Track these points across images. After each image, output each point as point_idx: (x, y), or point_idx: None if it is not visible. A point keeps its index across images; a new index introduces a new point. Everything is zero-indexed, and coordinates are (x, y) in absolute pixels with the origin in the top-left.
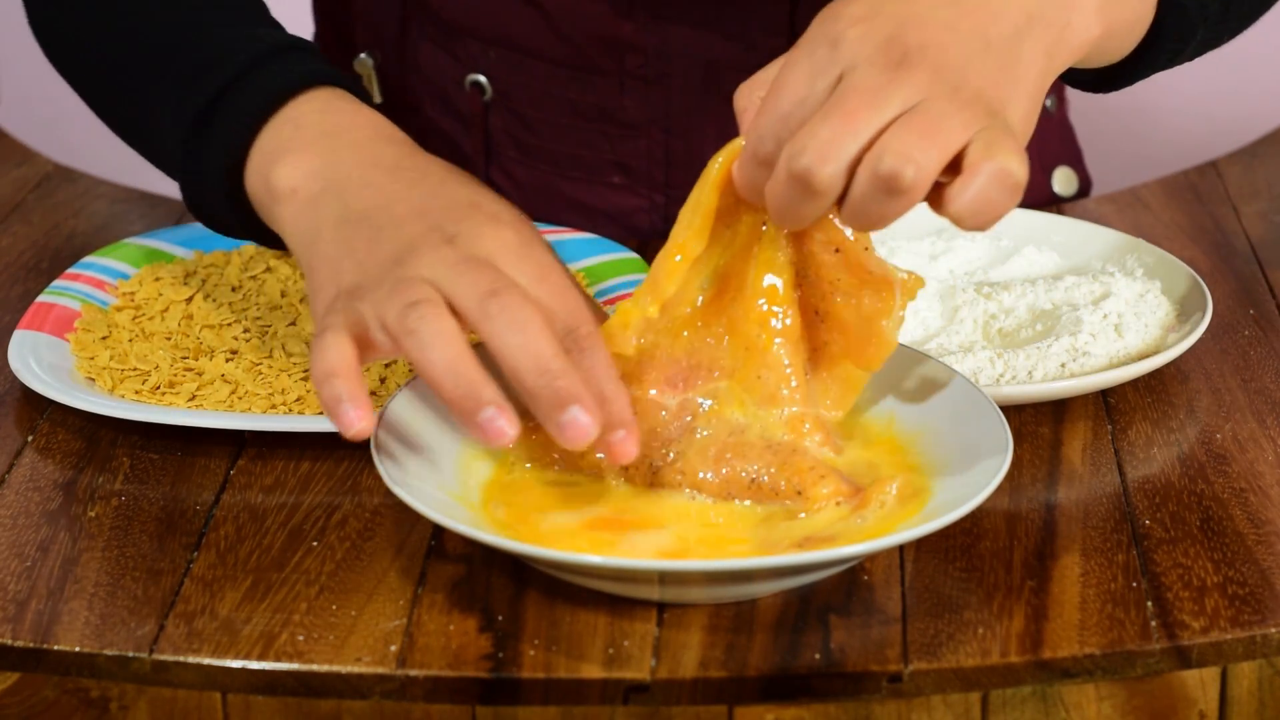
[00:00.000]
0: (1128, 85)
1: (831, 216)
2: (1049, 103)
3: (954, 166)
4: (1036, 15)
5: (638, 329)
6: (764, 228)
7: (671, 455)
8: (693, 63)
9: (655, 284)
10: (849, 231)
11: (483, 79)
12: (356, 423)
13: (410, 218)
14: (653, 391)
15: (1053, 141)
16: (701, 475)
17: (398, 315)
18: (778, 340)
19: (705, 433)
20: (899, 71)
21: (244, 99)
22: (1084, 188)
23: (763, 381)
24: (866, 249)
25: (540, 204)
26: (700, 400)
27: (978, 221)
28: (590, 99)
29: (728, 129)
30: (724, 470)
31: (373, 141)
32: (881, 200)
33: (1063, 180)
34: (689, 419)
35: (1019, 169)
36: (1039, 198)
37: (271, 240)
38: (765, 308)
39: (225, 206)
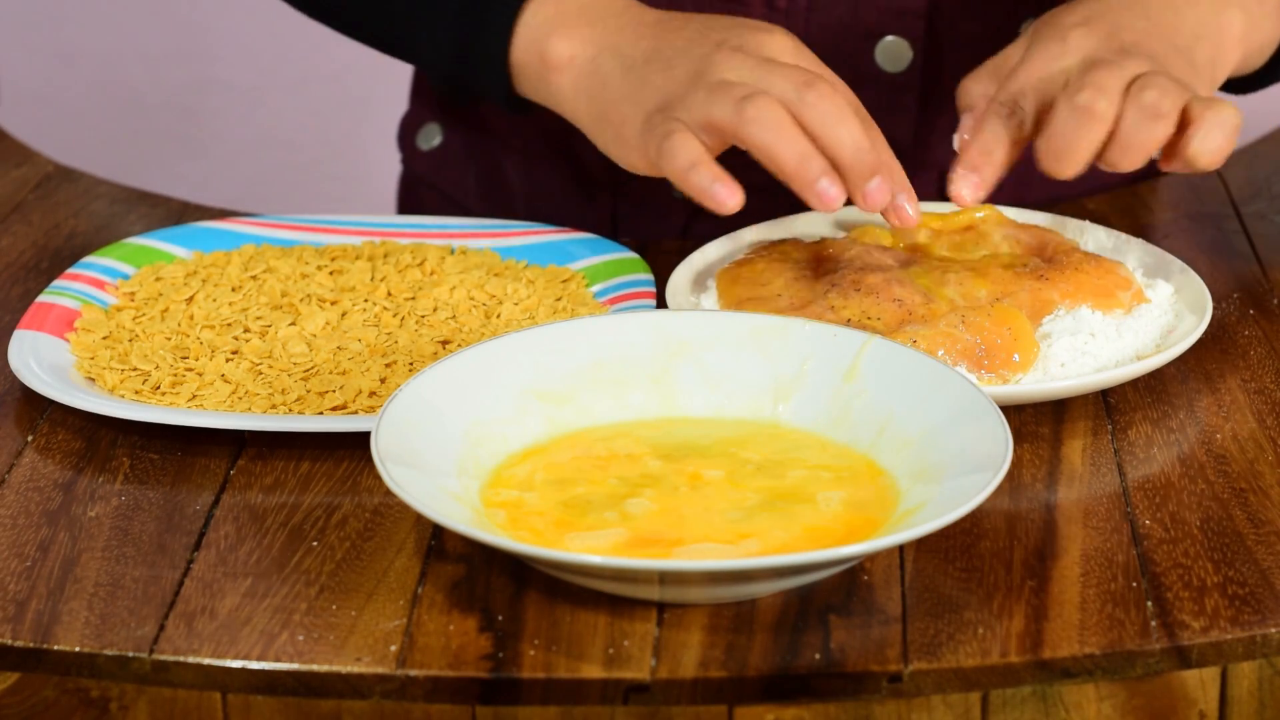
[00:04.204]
0: (1254, 91)
1: None
2: None
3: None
4: (1202, 35)
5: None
6: None
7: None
8: None
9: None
10: None
11: None
12: (731, 198)
13: (694, 44)
14: None
15: None
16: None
17: (734, 108)
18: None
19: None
20: (1124, 55)
21: None
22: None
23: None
24: None
25: None
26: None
27: (1212, 160)
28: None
29: (865, 68)
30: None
31: (631, 10)
32: (1146, 127)
33: None
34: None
35: (1237, 116)
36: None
37: (528, 108)
38: None
39: (494, 83)
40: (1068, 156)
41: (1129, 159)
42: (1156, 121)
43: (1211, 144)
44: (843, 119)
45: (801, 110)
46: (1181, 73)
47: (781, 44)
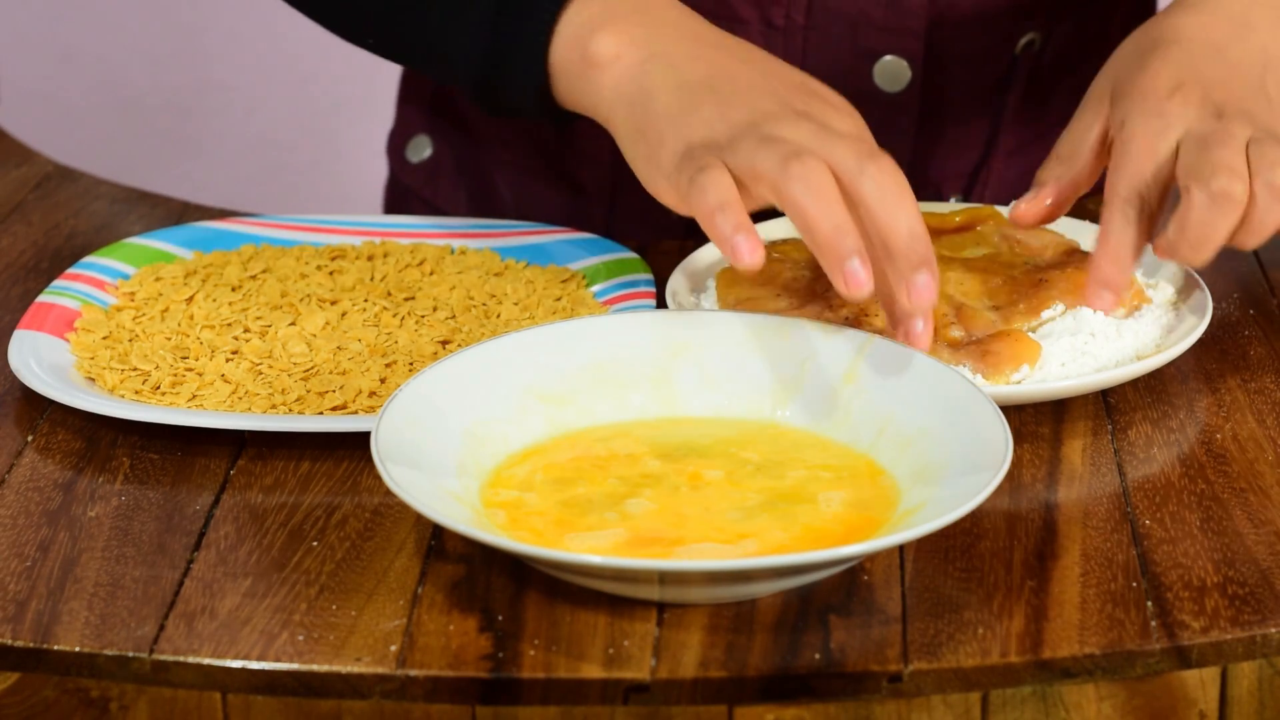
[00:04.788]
0: None
1: None
2: None
3: None
4: (1268, 63)
5: None
6: None
7: None
8: (833, 17)
9: None
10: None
11: None
12: (750, 253)
13: (756, 90)
14: None
15: None
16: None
17: (780, 161)
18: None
19: None
20: (1223, 120)
21: None
22: None
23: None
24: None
25: None
26: None
27: None
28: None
29: (863, 88)
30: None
31: (684, 18)
32: (1277, 209)
33: None
34: None
35: None
36: None
37: (560, 115)
38: None
39: (528, 82)
40: (1207, 245)
41: (1255, 239)
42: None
43: None
44: (902, 201)
45: (860, 183)
46: (1265, 116)
47: (849, 121)
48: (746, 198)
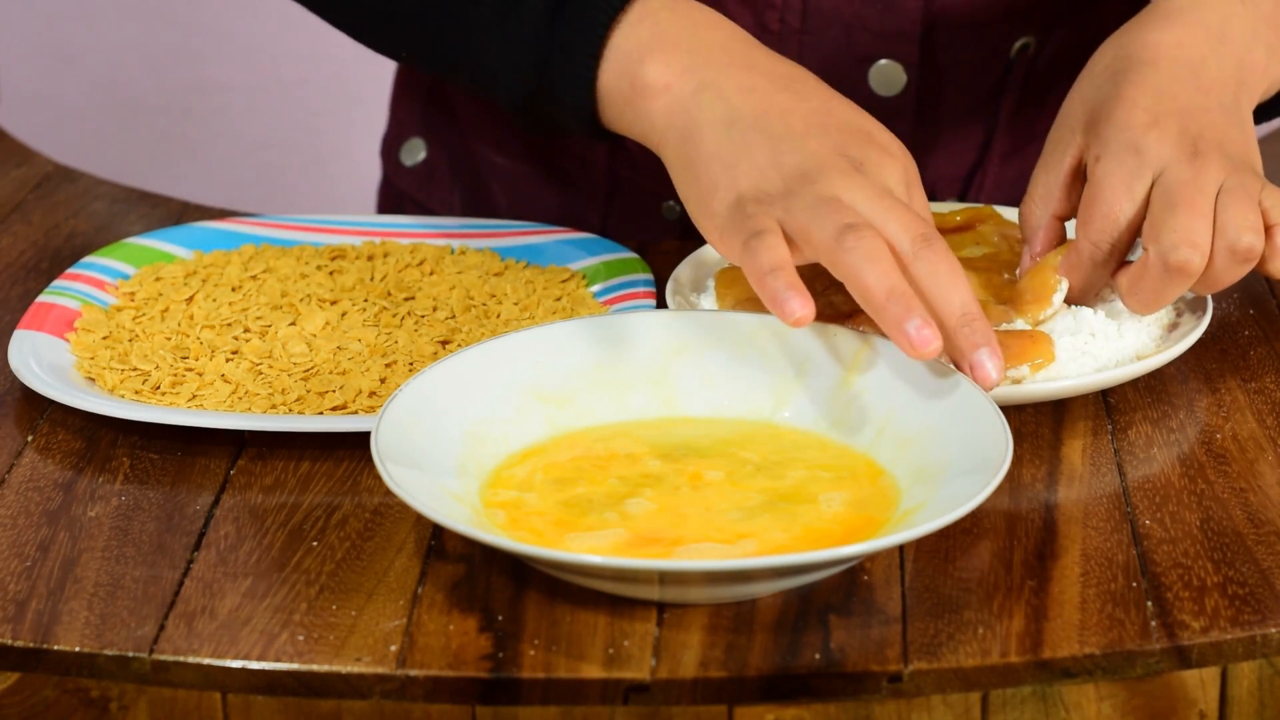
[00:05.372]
0: (1265, 121)
1: None
2: None
3: None
4: (1242, 81)
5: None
6: None
7: None
8: (828, 21)
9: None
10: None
11: None
12: (801, 309)
13: (810, 134)
14: None
15: None
16: None
17: (835, 234)
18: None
19: None
20: (1198, 161)
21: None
22: None
23: None
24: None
25: (660, 171)
26: None
27: None
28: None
29: (858, 92)
30: None
31: (735, 41)
32: (1235, 270)
33: None
34: None
35: None
36: None
37: (606, 137)
38: None
39: (576, 107)
40: (1154, 305)
41: (1210, 290)
42: (1245, 265)
43: None
44: (955, 283)
45: (914, 265)
46: (1240, 151)
47: (900, 172)
48: (796, 254)
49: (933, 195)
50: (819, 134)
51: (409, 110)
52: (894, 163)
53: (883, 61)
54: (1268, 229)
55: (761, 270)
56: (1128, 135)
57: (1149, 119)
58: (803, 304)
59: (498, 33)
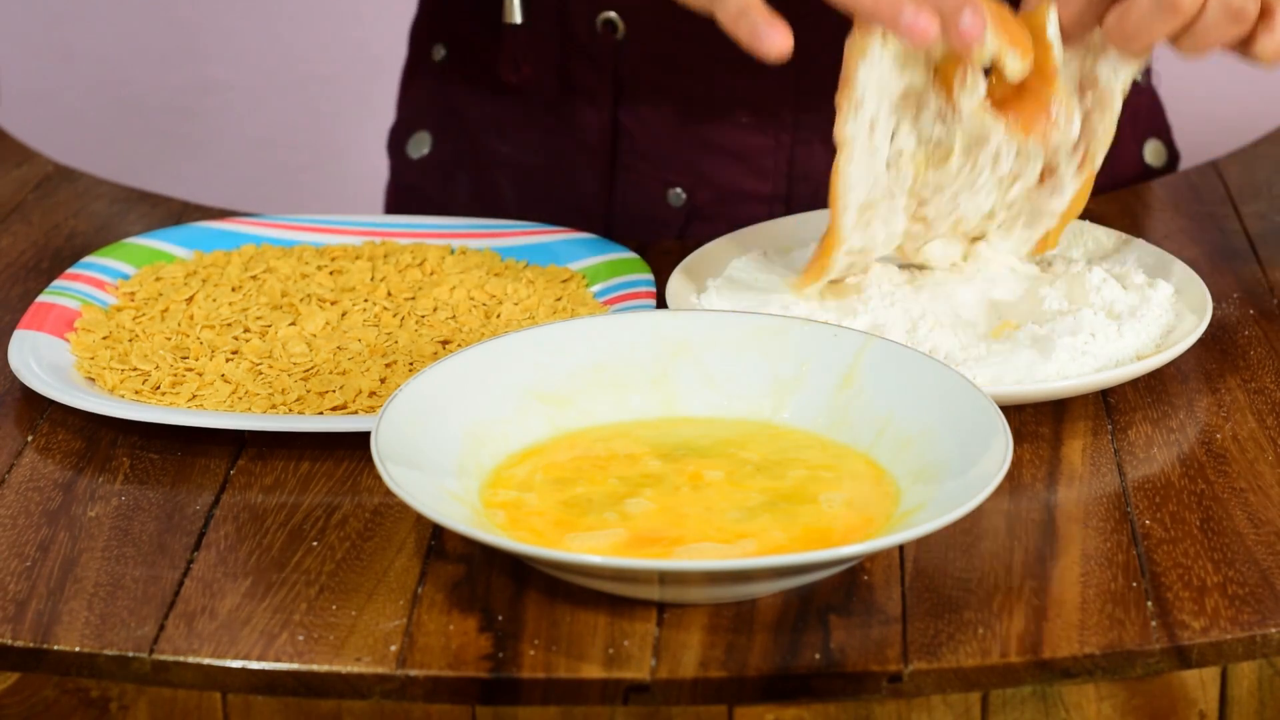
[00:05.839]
0: None
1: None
2: (1139, 77)
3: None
4: None
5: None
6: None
7: None
8: None
9: None
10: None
11: (615, 16)
12: (782, 39)
13: None
14: None
15: (1144, 114)
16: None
17: None
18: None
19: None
20: None
21: None
22: (1172, 160)
23: None
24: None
25: (667, 144)
26: None
27: (1276, 58)
28: (722, 33)
29: None
30: None
31: None
32: (1223, 26)
33: (1153, 152)
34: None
35: None
36: (1131, 169)
37: None
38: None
39: None
40: (1136, 40)
41: (1198, 50)
42: (1235, 23)
43: (1276, 43)
44: None
45: None
46: None
47: None
48: None
49: None
50: None
51: (416, 103)
52: None
53: None
54: (1265, 9)
55: (732, 14)
56: None
57: None
58: (780, 33)
59: None
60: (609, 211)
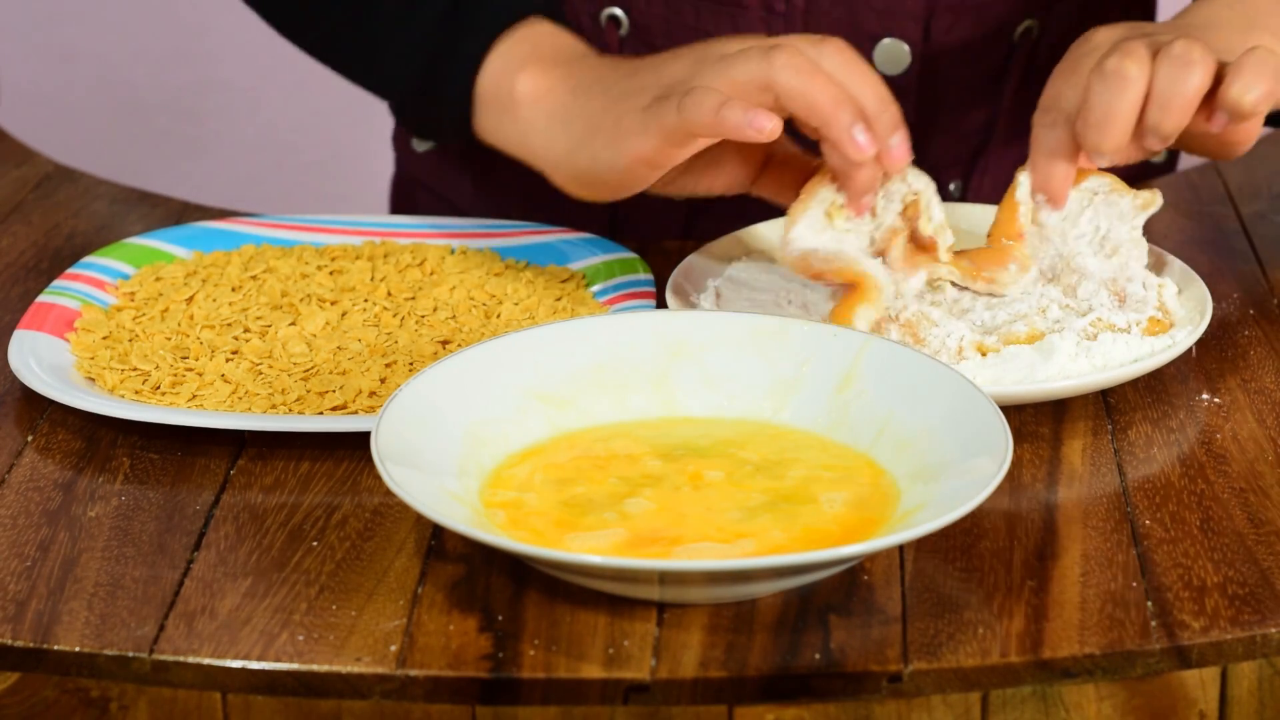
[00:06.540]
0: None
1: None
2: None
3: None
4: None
5: None
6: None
7: None
8: (833, 0)
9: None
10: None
11: (619, 12)
12: (770, 120)
13: (688, 53)
14: None
15: None
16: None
17: (760, 58)
18: None
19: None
20: (1151, 32)
21: (483, 16)
22: (1172, 159)
23: None
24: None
25: None
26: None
27: (1256, 100)
28: (723, 32)
29: None
30: None
31: (607, 59)
32: (1181, 78)
33: None
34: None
35: (1276, 56)
36: (1131, 168)
37: (477, 144)
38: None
39: (453, 108)
40: (1107, 126)
41: (1170, 118)
42: (1190, 69)
43: (1250, 82)
44: (863, 71)
45: (820, 63)
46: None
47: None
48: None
49: (936, 179)
50: (697, 51)
51: None
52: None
53: (887, 40)
54: (1224, 72)
55: (709, 113)
56: (1084, 35)
57: (1108, 27)
58: (768, 116)
59: (392, 38)
60: (611, 209)
